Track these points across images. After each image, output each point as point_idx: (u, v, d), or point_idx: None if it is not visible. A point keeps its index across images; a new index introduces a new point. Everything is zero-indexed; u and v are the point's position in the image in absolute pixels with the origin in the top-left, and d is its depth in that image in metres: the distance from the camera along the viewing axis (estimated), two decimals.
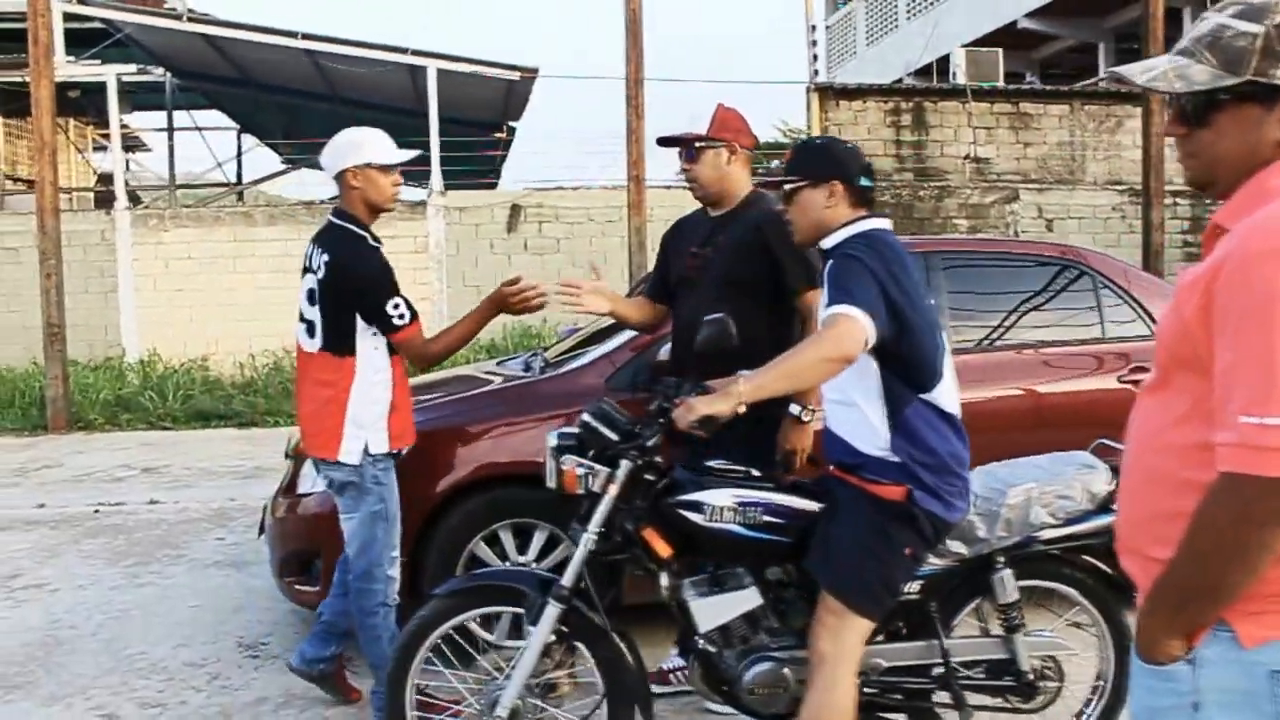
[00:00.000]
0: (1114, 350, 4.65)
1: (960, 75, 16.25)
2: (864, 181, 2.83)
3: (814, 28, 15.45)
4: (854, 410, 2.79)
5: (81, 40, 15.63)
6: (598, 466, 2.82)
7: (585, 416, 2.88)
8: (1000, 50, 17.38)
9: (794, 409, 3.41)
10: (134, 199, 16.73)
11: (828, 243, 2.84)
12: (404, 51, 13.94)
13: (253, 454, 9.67)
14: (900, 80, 19.77)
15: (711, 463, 2.94)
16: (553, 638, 2.87)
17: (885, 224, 2.86)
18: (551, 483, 2.87)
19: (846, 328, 2.55)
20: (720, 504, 2.81)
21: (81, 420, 11.40)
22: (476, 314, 3.56)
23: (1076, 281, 4.87)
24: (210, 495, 7.75)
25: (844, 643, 2.73)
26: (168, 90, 16.99)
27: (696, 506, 2.81)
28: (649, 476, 2.84)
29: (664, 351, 4.07)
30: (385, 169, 3.52)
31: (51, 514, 7.21)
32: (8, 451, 10.03)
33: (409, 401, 3.62)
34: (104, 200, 17.51)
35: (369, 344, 3.47)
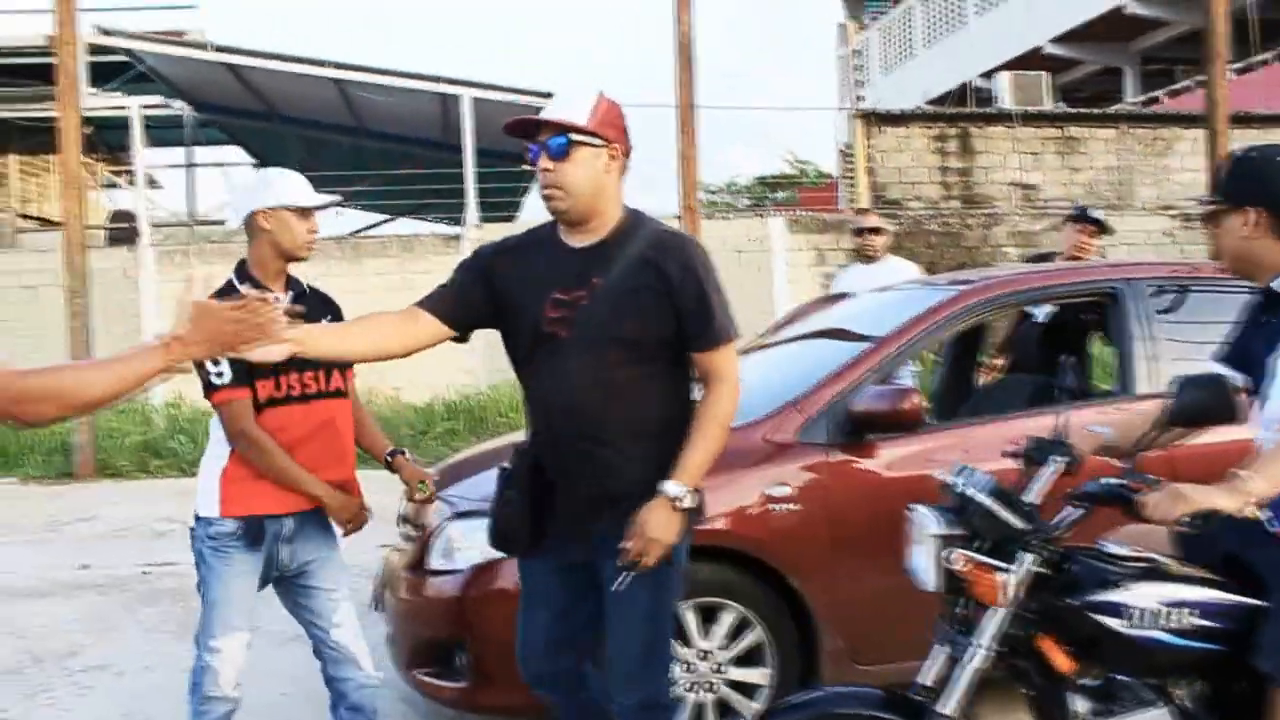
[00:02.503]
0: None
1: (1005, 99, 15.83)
2: None
3: (857, 52, 15.01)
4: None
5: (100, 74, 15.16)
6: (1004, 564, 2.22)
7: (979, 496, 2.26)
8: (1046, 74, 16.93)
9: (672, 488, 2.55)
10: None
11: None
12: (437, 80, 13.45)
13: None
14: (943, 103, 19.30)
15: (1112, 548, 2.35)
16: None
17: None
18: (931, 583, 2.26)
19: None
20: (1145, 605, 2.23)
21: (109, 467, 10.80)
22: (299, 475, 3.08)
23: None
24: None
25: None
26: (186, 125, 16.52)
27: (1114, 609, 2.23)
28: (1044, 571, 2.26)
29: (864, 399, 3.51)
30: (302, 213, 3.08)
31: (97, 576, 6.59)
32: (35, 501, 9.42)
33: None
34: (116, 238, 16.99)
35: None
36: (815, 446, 3.49)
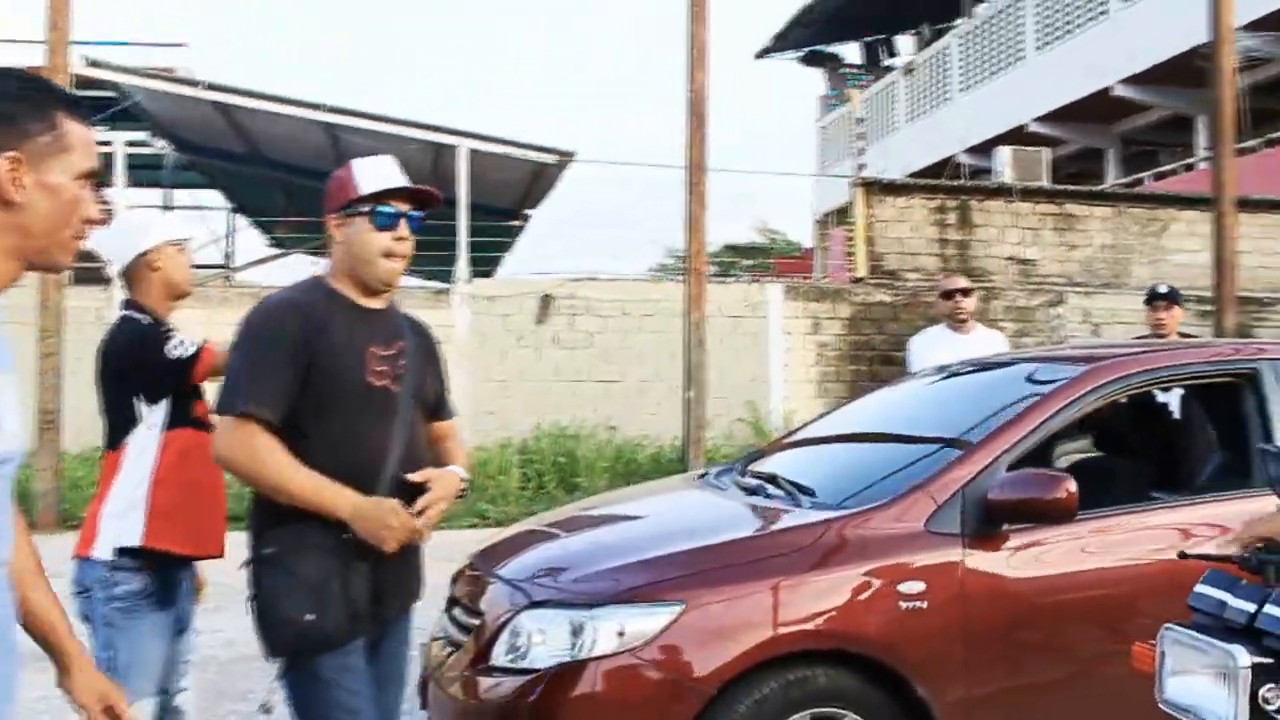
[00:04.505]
0: None
1: (1005, 174, 15.74)
2: None
3: (860, 120, 14.88)
4: None
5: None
6: None
7: None
8: (1046, 150, 16.92)
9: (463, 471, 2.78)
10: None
11: None
12: (435, 129, 13.07)
13: None
14: (944, 172, 19.20)
15: None
16: None
17: None
18: None
19: None
20: None
21: (72, 519, 10.13)
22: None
23: None
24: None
25: None
26: (166, 165, 16.04)
27: None
28: None
29: (1006, 485, 3.10)
30: (181, 247, 3.17)
31: None
32: None
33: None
34: (82, 278, 16.41)
35: None
36: (947, 537, 3.08)
